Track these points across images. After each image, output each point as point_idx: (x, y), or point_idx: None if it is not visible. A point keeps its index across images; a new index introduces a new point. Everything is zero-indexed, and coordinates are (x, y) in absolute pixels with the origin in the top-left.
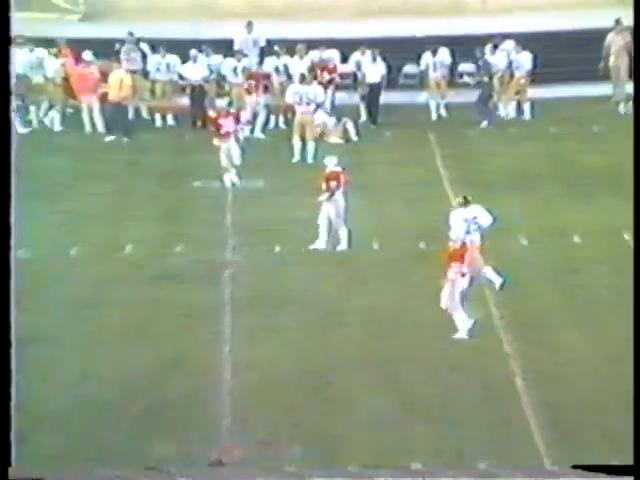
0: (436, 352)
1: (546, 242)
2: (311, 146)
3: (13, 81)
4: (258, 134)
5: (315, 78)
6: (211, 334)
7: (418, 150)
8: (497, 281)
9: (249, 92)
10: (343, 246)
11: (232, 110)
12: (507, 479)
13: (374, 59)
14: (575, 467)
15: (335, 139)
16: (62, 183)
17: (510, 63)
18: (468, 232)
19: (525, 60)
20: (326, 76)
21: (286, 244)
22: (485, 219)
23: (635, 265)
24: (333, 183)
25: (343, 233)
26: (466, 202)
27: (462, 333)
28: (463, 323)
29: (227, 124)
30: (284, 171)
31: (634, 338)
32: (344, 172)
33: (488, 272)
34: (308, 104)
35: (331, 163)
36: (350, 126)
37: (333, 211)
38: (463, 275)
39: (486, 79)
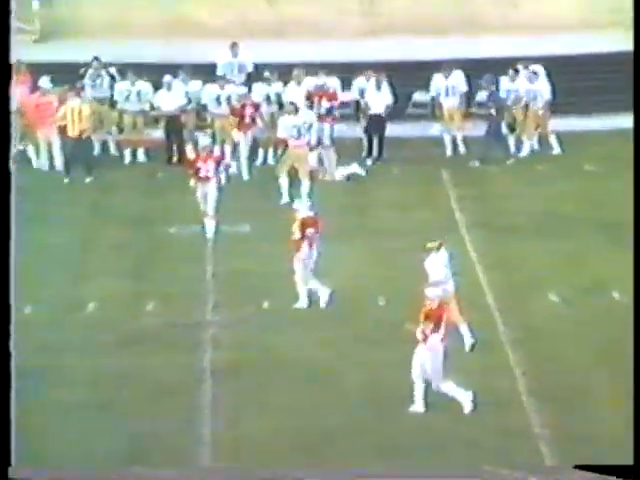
0: (449, 433)
1: (581, 299)
2: (306, 185)
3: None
4: (245, 176)
5: (312, 107)
6: (187, 411)
7: (430, 190)
8: (468, 342)
9: (233, 125)
10: (325, 297)
11: (215, 150)
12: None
13: (378, 86)
14: (576, 467)
15: (330, 177)
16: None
17: (528, 92)
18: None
19: (543, 90)
20: (325, 104)
21: (276, 300)
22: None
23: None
24: (310, 230)
25: (315, 284)
26: (440, 246)
27: (470, 406)
28: (464, 394)
29: (207, 168)
30: (274, 214)
31: (634, 338)
32: (318, 217)
33: (463, 328)
34: (303, 137)
35: (303, 208)
36: (346, 168)
37: (308, 263)
38: (442, 340)
39: (493, 111)
